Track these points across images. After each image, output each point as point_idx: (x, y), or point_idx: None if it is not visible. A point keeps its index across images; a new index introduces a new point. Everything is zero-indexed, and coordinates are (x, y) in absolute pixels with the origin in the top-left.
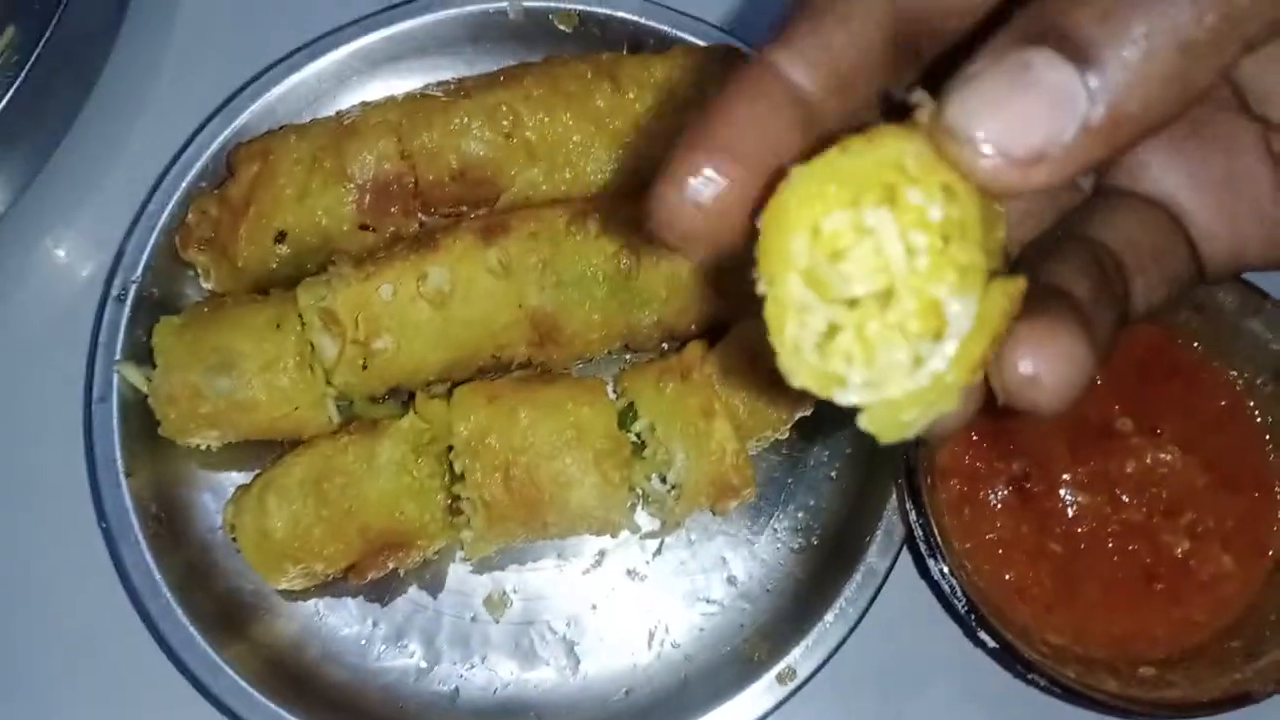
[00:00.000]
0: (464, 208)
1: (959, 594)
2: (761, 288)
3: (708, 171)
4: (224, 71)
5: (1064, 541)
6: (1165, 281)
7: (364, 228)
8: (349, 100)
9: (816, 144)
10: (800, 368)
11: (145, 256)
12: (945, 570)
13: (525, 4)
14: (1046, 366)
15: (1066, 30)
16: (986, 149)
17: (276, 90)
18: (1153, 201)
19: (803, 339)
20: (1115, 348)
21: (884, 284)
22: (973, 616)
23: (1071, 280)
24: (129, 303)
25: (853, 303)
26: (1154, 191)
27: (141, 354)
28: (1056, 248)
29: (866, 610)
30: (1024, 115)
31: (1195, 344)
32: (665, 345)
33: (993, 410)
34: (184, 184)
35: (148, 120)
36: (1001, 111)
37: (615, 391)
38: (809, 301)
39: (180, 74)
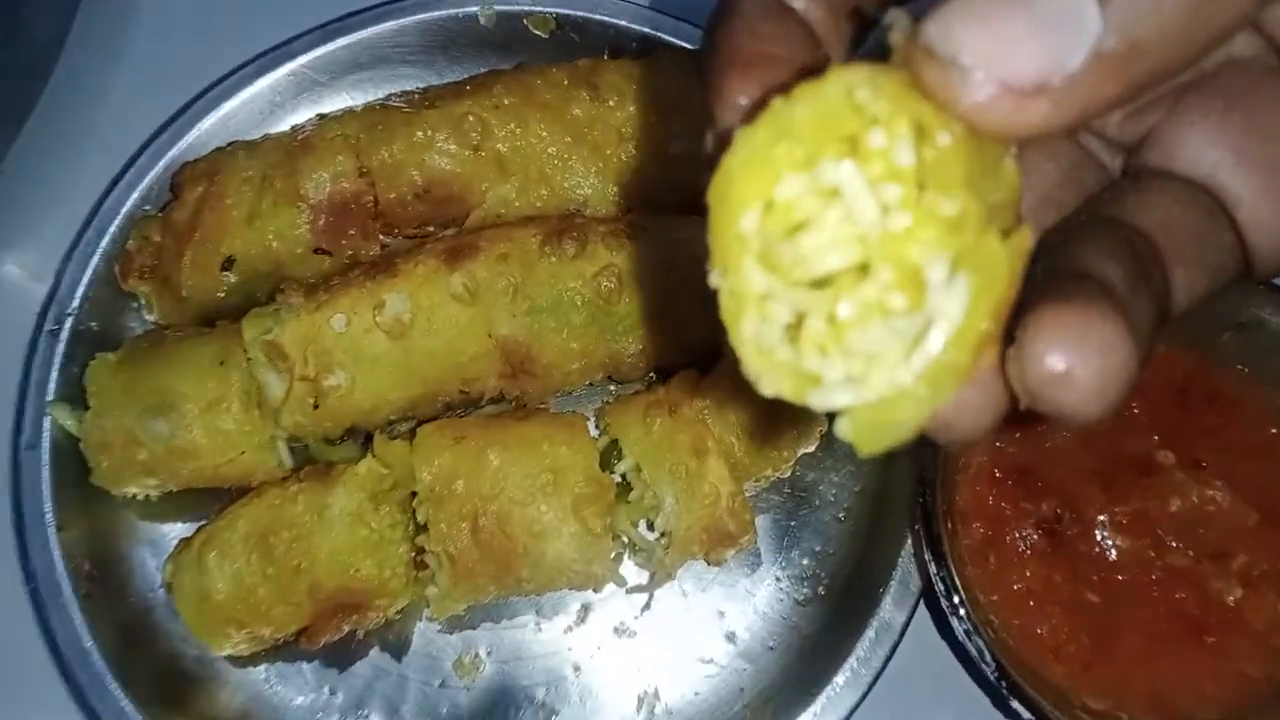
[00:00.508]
0: (430, 228)
1: (987, 657)
2: (715, 279)
3: (743, 101)
4: (177, 86)
5: (1102, 591)
6: (1208, 272)
7: (320, 251)
8: (307, 116)
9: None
10: (768, 369)
11: (83, 287)
12: (970, 631)
13: (497, 7)
14: (1080, 360)
15: None
16: (975, 74)
17: (228, 105)
18: (1192, 182)
19: (765, 335)
20: (1153, 352)
21: (859, 256)
22: (1003, 684)
23: (1103, 265)
24: (64, 338)
25: (823, 283)
26: (1193, 171)
27: (77, 395)
28: (1084, 231)
29: (881, 671)
30: (1020, 33)
31: (1239, 367)
32: (652, 376)
33: (1015, 419)
34: (126, 207)
35: (93, 140)
36: (993, 28)
37: (597, 428)
38: (770, 288)
39: (131, 90)
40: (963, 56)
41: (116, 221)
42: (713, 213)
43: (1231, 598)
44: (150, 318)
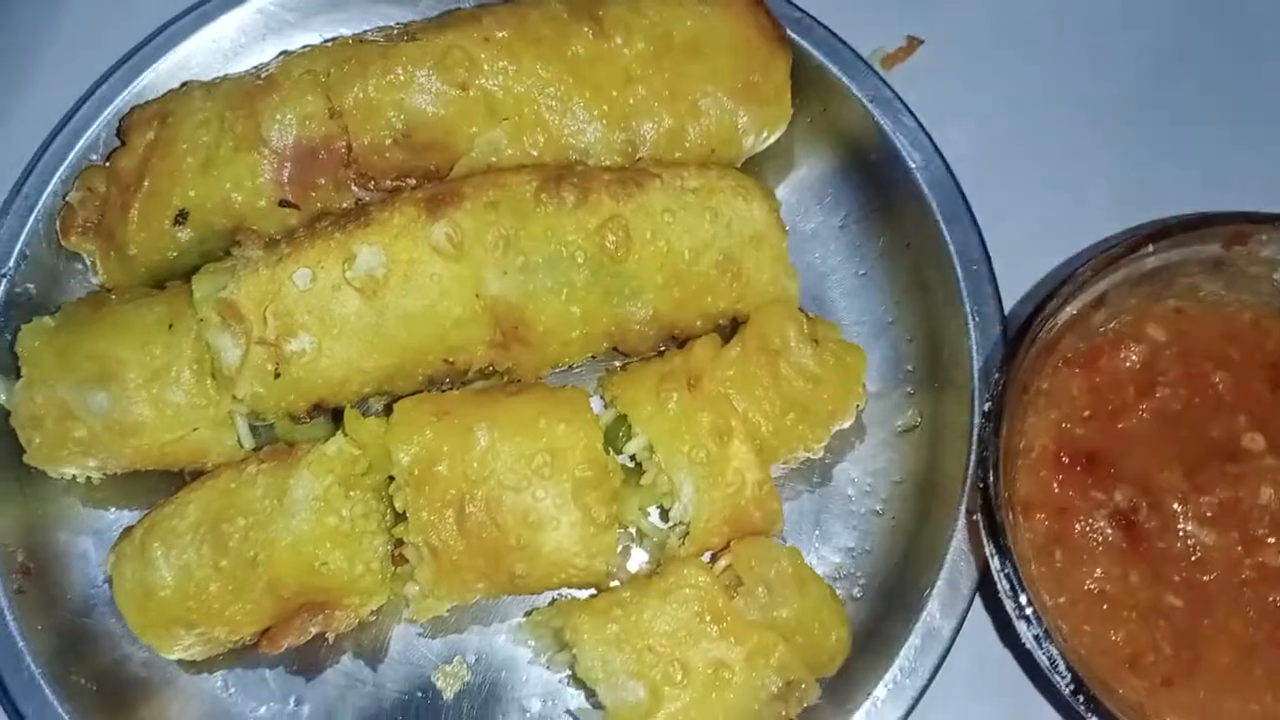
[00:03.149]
0: (410, 180)
1: (1061, 669)
2: None
3: None
4: (129, 24)
5: (1185, 593)
6: None
7: (285, 204)
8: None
9: None
10: None
11: (20, 244)
12: (1040, 637)
13: None
14: None
15: None
16: None
17: (186, 45)
18: None
19: None
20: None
21: None
22: (1080, 699)
23: None
24: None
25: None
26: None
27: (10, 364)
28: None
29: (929, 683)
30: None
31: None
32: (662, 348)
33: None
34: (70, 158)
35: (33, 83)
36: None
37: (602, 402)
38: None
39: (77, 27)
40: None
41: (59, 173)
42: None
43: None
44: (95, 280)
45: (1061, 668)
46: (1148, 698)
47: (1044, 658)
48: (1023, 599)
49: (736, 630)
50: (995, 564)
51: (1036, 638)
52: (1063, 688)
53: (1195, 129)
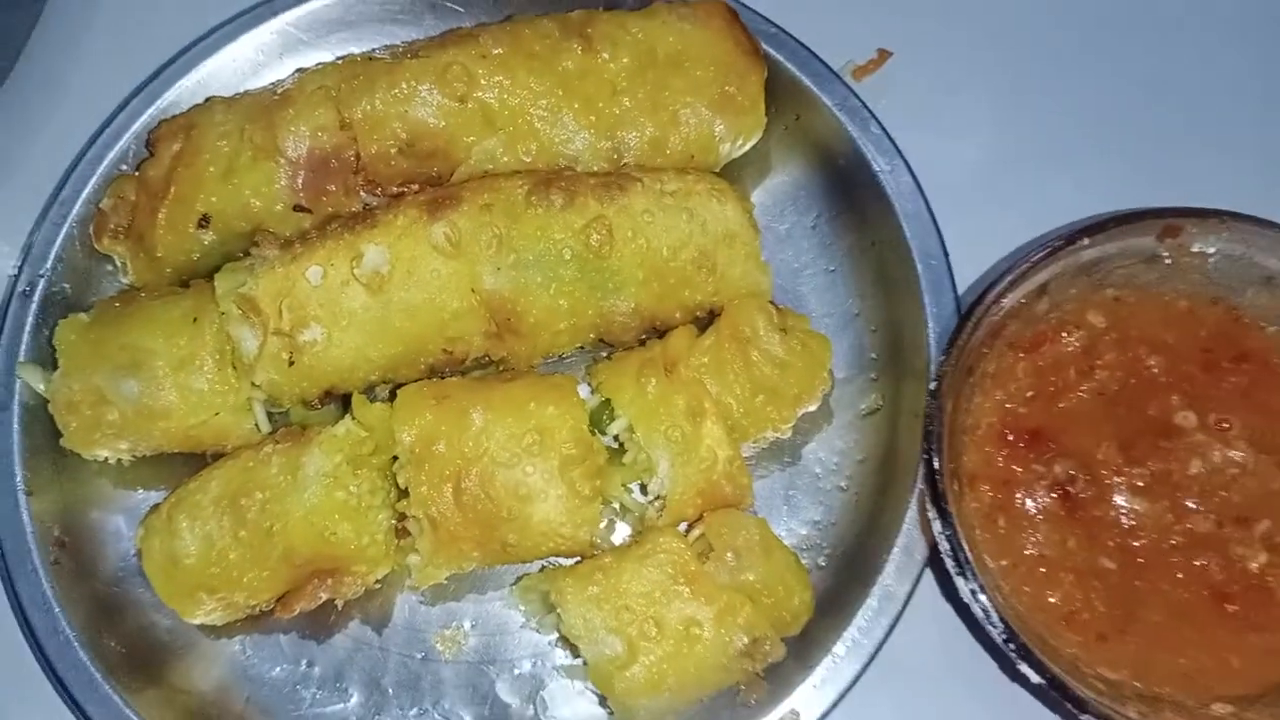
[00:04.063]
0: (413, 185)
1: (995, 620)
2: None
3: None
4: (156, 44)
5: (1118, 557)
6: None
7: (299, 209)
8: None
9: None
10: None
11: (56, 248)
12: (976, 590)
13: None
14: None
15: None
16: None
17: (209, 63)
18: None
19: None
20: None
21: None
22: (1011, 646)
23: None
24: (36, 299)
25: None
26: None
27: (49, 358)
28: None
29: (884, 641)
30: None
31: (1265, 326)
32: (644, 338)
33: None
34: (102, 168)
35: (68, 99)
36: None
37: (589, 388)
38: None
39: (107, 48)
40: None
41: (92, 182)
42: None
43: (1255, 564)
44: (125, 280)
45: (995, 619)
46: (1083, 651)
47: (979, 610)
48: (960, 557)
49: (707, 592)
50: (937, 527)
51: (972, 591)
52: (996, 637)
53: (1143, 131)
